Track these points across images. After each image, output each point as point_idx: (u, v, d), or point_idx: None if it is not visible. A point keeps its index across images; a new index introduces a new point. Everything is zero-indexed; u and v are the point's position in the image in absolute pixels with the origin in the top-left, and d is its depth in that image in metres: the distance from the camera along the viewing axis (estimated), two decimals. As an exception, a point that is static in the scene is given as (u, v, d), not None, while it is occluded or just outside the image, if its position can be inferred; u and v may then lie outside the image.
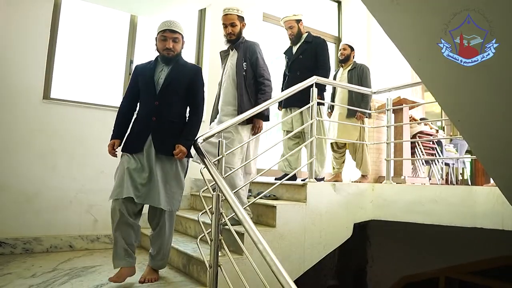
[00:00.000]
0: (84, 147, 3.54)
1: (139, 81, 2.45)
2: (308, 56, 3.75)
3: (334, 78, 4.51)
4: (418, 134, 5.15)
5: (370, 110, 4.22)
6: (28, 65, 3.36)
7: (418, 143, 5.03)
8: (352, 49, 4.44)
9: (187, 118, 2.51)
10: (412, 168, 5.09)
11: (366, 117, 4.30)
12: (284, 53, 4.05)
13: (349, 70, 4.36)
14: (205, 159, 2.24)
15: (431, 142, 5.25)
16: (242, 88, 2.89)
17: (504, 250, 3.69)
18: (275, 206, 2.76)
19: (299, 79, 3.56)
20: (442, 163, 5.41)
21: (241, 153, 2.91)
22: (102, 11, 3.95)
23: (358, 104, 4.10)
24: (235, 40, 2.97)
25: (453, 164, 5.54)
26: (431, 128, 5.54)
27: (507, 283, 4.02)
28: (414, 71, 1.42)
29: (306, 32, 3.87)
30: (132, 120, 2.52)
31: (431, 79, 1.42)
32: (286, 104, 3.83)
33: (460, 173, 6.13)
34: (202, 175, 2.39)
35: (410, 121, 4.99)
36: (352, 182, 4.16)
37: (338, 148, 4.44)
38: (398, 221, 3.34)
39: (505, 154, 1.46)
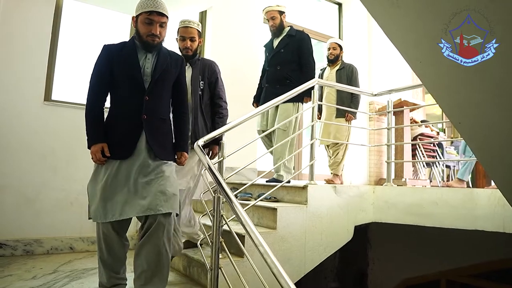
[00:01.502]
0: (85, 149, 3.49)
1: (116, 68, 1.99)
2: (290, 50, 3.57)
3: (320, 78, 4.38)
4: (419, 136, 5.15)
5: (359, 111, 4.18)
6: (29, 67, 3.37)
7: (419, 145, 5.02)
8: (341, 48, 4.33)
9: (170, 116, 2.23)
10: (413, 170, 5.08)
11: (354, 118, 4.20)
12: (264, 46, 3.87)
13: (337, 70, 4.23)
14: (206, 161, 2.24)
15: (432, 144, 5.25)
16: (197, 109, 2.55)
17: (506, 253, 3.68)
18: (276, 209, 2.76)
19: (279, 74, 3.50)
20: (443, 165, 5.41)
21: (191, 178, 2.56)
22: (103, 13, 3.96)
23: (348, 105, 4.02)
24: (191, 56, 2.63)
25: (454, 166, 5.53)
26: (432, 130, 5.54)
27: (509, 286, 4.00)
28: (415, 73, 1.42)
29: (289, 26, 3.71)
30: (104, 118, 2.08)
31: (432, 81, 1.42)
32: (265, 99, 3.50)
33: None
34: (203, 177, 2.40)
35: (411, 123, 4.99)
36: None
37: (330, 148, 4.32)
38: (399, 224, 3.33)
39: (506, 156, 1.45)
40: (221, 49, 4.47)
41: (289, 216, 2.81)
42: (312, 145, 3.28)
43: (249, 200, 3.11)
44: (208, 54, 4.51)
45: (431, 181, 5.29)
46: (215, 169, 2.21)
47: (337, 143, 4.13)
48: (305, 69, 3.51)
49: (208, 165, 2.18)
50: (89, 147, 1.96)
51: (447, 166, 5.51)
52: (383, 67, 5.97)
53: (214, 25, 4.52)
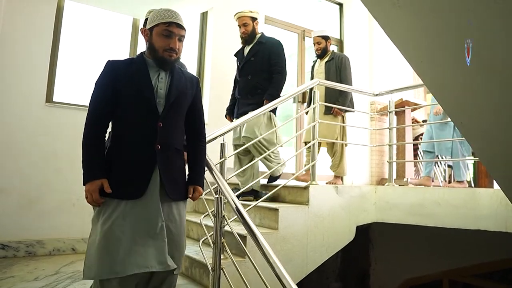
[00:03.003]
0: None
1: (124, 88, 1.64)
2: (261, 58, 3.34)
3: (312, 72, 4.22)
4: (421, 136, 5.14)
5: (349, 105, 3.92)
6: (31, 68, 3.37)
7: (420, 145, 5.01)
8: (326, 39, 4.08)
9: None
10: (415, 170, 5.07)
11: (344, 112, 3.98)
12: (235, 55, 3.67)
13: (326, 62, 4.02)
14: (208, 162, 2.24)
15: (433, 144, 5.23)
16: None
17: (508, 253, 3.67)
18: (278, 209, 2.76)
19: (250, 83, 3.30)
20: (444, 165, 5.39)
21: None
22: (104, 15, 3.97)
23: (335, 100, 3.80)
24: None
25: (456, 166, 5.51)
26: (433, 130, 5.51)
27: (511, 285, 4.00)
28: (416, 73, 1.42)
29: (260, 33, 3.49)
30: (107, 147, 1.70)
31: (433, 81, 1.41)
32: (239, 113, 3.35)
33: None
34: (205, 178, 2.40)
35: (412, 123, 4.98)
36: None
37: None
38: (401, 224, 3.33)
39: (508, 156, 1.45)
40: (221, 50, 4.48)
41: (290, 217, 2.81)
42: (313, 145, 3.27)
43: (250, 201, 3.11)
44: (209, 55, 4.51)
45: (433, 181, 5.27)
46: (217, 169, 2.21)
47: (332, 143, 3.94)
48: (274, 79, 3.29)
49: (210, 165, 2.18)
50: (84, 184, 1.55)
51: (449, 166, 5.50)
52: (384, 67, 5.96)
53: (215, 26, 4.52)
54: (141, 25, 4.20)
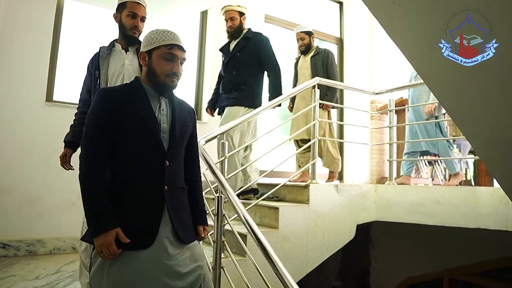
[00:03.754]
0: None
1: (125, 123, 1.42)
2: (247, 53, 3.26)
3: (295, 68, 4.13)
4: (421, 135, 5.13)
5: (337, 101, 3.86)
6: (31, 67, 3.37)
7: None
8: (309, 34, 4.00)
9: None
10: (415, 169, 5.07)
11: (333, 107, 3.90)
12: (220, 50, 3.57)
13: (312, 57, 3.93)
14: (208, 161, 2.24)
15: (434, 143, 5.23)
16: None
17: (508, 251, 3.67)
18: (278, 208, 2.76)
19: (235, 79, 3.23)
20: (445, 163, 5.39)
21: None
22: (104, 14, 3.96)
23: (324, 95, 3.68)
24: (136, 40, 2.29)
25: (456, 164, 5.51)
26: (434, 129, 5.51)
27: (511, 284, 4.00)
28: (416, 72, 1.42)
29: (247, 28, 3.41)
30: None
31: (433, 80, 1.41)
32: (222, 104, 3.31)
33: (463, 174, 6.10)
34: (205, 176, 2.40)
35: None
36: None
37: (303, 143, 3.84)
38: (401, 222, 3.33)
39: (508, 155, 1.45)
40: (222, 48, 4.48)
41: (291, 215, 2.81)
42: (313, 144, 3.27)
43: (250, 199, 3.11)
44: (209, 54, 4.51)
45: (433, 180, 5.28)
46: (217, 168, 2.21)
47: (308, 139, 3.65)
48: (272, 78, 3.25)
49: (210, 164, 2.18)
50: (94, 236, 1.32)
51: (449, 165, 5.49)
52: (384, 65, 5.96)
53: (214, 25, 4.52)
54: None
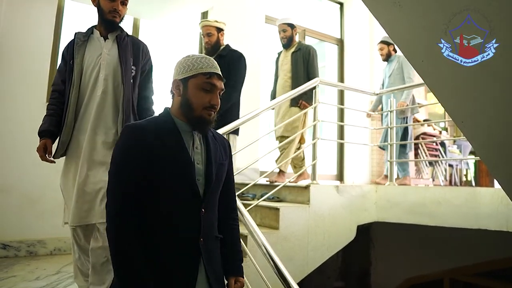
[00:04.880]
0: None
1: (157, 167, 1.23)
2: (221, 72, 3.08)
3: (276, 64, 3.96)
4: (422, 135, 5.14)
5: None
6: (32, 68, 3.38)
7: (421, 144, 5.01)
8: (292, 27, 3.81)
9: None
10: (416, 170, 5.08)
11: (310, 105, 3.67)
12: None
13: (293, 52, 3.75)
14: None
15: (434, 143, 5.24)
16: (129, 107, 2.00)
17: (509, 252, 3.67)
18: (279, 209, 2.76)
19: None
20: (445, 164, 5.40)
21: None
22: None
23: (302, 93, 3.49)
24: (116, 25, 2.08)
25: (457, 165, 5.52)
26: (434, 129, 5.53)
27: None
28: (417, 72, 1.42)
29: (225, 45, 3.19)
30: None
31: (434, 80, 1.41)
32: None
33: (464, 174, 6.11)
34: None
35: (413, 122, 4.98)
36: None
37: (284, 139, 3.65)
38: (402, 223, 3.33)
39: (509, 155, 1.45)
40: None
41: (291, 216, 2.81)
42: (314, 144, 3.27)
43: (248, 200, 3.11)
44: (210, 54, 4.51)
45: (433, 180, 5.28)
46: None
47: (287, 136, 3.57)
48: (228, 94, 2.83)
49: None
50: None
51: (450, 165, 5.50)
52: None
53: (215, 25, 4.52)
54: (142, 25, 4.19)
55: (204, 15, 4.63)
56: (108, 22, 2.01)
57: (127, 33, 2.10)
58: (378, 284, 4.86)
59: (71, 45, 2.03)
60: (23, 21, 3.35)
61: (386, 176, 4.07)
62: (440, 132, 5.71)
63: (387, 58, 4.43)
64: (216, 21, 3.16)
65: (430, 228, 3.17)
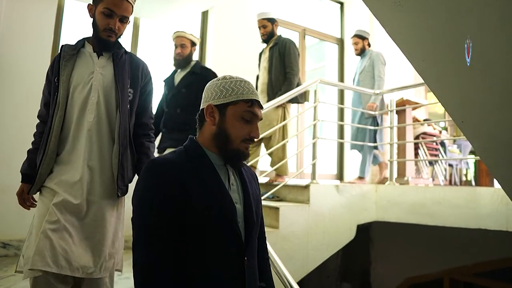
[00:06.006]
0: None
1: (194, 212, 1.03)
2: (194, 91, 2.79)
3: (259, 60, 3.83)
4: (422, 135, 5.14)
5: (299, 96, 3.48)
6: (32, 67, 3.37)
7: (421, 144, 5.01)
8: (272, 21, 3.63)
9: None
10: (416, 169, 5.07)
11: (299, 102, 3.60)
12: (164, 81, 3.10)
13: (270, 47, 3.58)
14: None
15: (434, 143, 5.24)
16: (126, 132, 1.70)
17: (509, 252, 3.67)
18: (278, 208, 2.76)
19: (179, 118, 2.81)
20: (445, 164, 5.40)
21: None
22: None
23: (279, 88, 3.38)
24: (114, 42, 1.79)
25: (457, 165, 5.52)
26: (434, 129, 5.53)
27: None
28: (417, 72, 1.42)
29: (195, 60, 3.05)
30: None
31: (434, 80, 1.41)
32: (164, 145, 2.89)
33: (464, 174, 6.11)
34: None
35: (413, 122, 4.98)
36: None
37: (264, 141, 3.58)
38: (402, 223, 3.33)
39: (509, 155, 1.45)
40: (222, 49, 4.48)
41: (291, 215, 2.82)
42: (314, 144, 3.27)
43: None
44: (210, 54, 4.51)
45: (433, 180, 5.28)
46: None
47: (270, 138, 3.45)
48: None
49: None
50: None
51: (450, 165, 5.50)
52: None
53: (215, 25, 4.52)
54: (142, 24, 4.20)
55: (205, 14, 4.63)
56: (102, 41, 1.72)
57: (125, 50, 1.79)
58: (378, 283, 4.87)
59: (56, 60, 1.71)
60: (23, 21, 3.35)
61: (360, 178, 4.08)
62: (440, 132, 5.70)
63: (361, 52, 4.30)
64: (192, 35, 3.02)
65: (430, 228, 3.17)
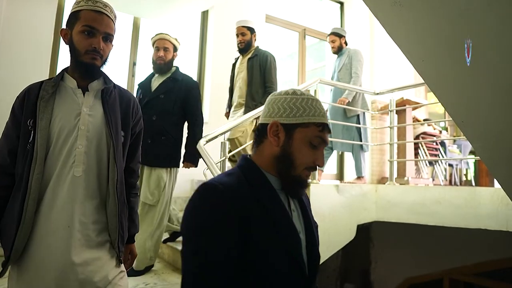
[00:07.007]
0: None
1: (256, 243, 0.88)
2: (172, 98, 2.73)
3: (233, 69, 3.68)
4: (422, 135, 5.14)
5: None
6: (32, 67, 3.38)
7: (421, 144, 5.01)
8: (252, 31, 3.53)
9: None
10: (416, 169, 5.07)
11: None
12: (138, 85, 2.98)
13: (249, 58, 3.46)
14: (208, 160, 2.24)
15: (434, 143, 5.24)
16: (121, 185, 1.39)
17: (509, 252, 3.67)
18: (278, 208, 2.75)
19: (155, 127, 2.66)
20: (445, 164, 5.40)
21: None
22: (105, 14, 3.97)
23: (260, 98, 3.30)
24: (99, 71, 1.41)
25: (457, 164, 5.52)
26: (434, 129, 5.53)
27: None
28: (417, 72, 1.42)
29: (176, 66, 2.89)
30: None
31: (434, 80, 1.41)
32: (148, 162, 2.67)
33: (464, 174, 6.11)
34: (205, 176, 2.40)
35: (413, 121, 4.98)
36: None
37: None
38: (402, 223, 3.33)
39: (509, 155, 1.45)
40: (222, 49, 4.48)
41: (291, 216, 2.81)
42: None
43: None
44: (210, 54, 4.52)
45: (433, 180, 5.28)
46: (217, 168, 2.21)
47: (232, 138, 3.32)
48: (194, 130, 2.78)
49: (211, 163, 2.18)
50: None
51: (450, 165, 5.50)
52: (385, 65, 5.96)
53: (215, 24, 4.52)
54: (142, 24, 4.20)
55: (205, 14, 4.63)
56: (85, 66, 1.33)
57: (114, 84, 1.46)
58: (377, 283, 4.87)
59: (29, 99, 1.33)
60: (23, 21, 3.35)
61: (359, 177, 4.05)
62: (440, 132, 5.70)
63: (338, 51, 4.23)
64: (176, 39, 2.89)
65: (430, 228, 3.17)
